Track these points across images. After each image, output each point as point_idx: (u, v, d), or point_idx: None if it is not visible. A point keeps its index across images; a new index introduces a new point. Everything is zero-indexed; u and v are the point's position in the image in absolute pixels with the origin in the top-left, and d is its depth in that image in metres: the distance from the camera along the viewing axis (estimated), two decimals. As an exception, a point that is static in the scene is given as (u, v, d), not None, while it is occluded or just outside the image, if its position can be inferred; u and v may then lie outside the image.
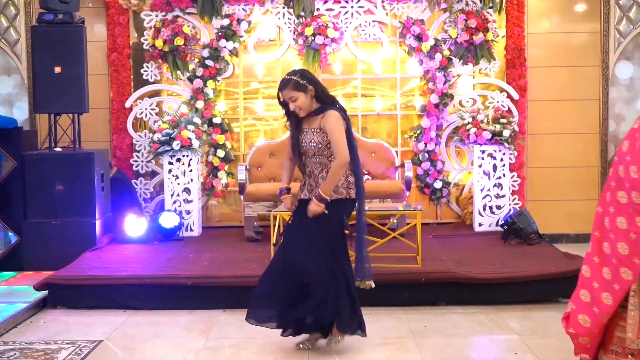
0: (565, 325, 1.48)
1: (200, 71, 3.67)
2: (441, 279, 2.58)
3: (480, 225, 3.55)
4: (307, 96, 2.00)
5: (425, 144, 3.71)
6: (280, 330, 2.09)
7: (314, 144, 2.01)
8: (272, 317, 2.04)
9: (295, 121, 2.06)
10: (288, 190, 2.12)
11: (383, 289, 2.52)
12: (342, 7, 3.72)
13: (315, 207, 1.98)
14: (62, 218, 3.11)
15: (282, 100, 2.04)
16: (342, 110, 2.06)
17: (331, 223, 2.01)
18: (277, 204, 3.15)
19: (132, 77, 3.74)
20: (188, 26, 3.66)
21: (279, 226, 2.73)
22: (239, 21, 3.67)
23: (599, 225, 1.46)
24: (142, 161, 3.76)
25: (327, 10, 3.71)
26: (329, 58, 3.69)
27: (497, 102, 3.70)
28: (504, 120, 3.53)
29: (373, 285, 2.08)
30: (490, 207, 3.56)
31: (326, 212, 1.97)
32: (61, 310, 2.62)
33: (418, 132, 3.73)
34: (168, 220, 3.37)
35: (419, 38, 3.67)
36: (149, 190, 3.78)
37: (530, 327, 2.34)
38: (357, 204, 2.07)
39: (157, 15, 3.70)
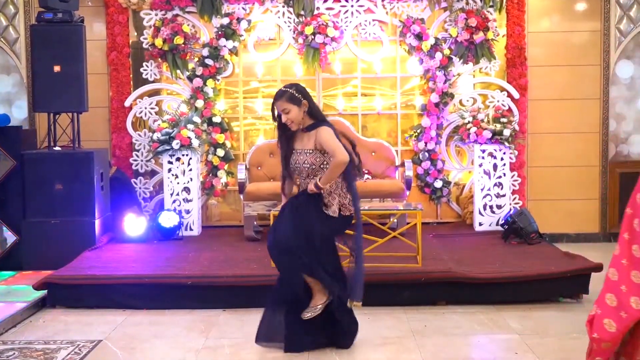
0: (589, 330, 1.44)
1: (199, 70, 3.66)
2: (441, 279, 2.57)
3: (480, 224, 3.54)
4: (301, 110, 2.02)
5: (426, 143, 3.70)
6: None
7: (308, 165, 2.02)
8: (277, 335, 2.05)
9: (287, 141, 2.07)
10: None
11: (383, 288, 2.53)
12: (342, 6, 3.70)
13: (312, 187, 2.01)
14: (61, 217, 3.10)
15: (276, 112, 2.05)
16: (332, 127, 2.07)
17: (321, 233, 2.01)
18: (277, 204, 3.14)
19: (131, 76, 3.73)
20: (188, 25, 3.65)
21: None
22: (238, 20, 3.66)
23: (628, 227, 1.39)
24: (142, 160, 3.74)
25: (327, 9, 3.70)
26: (329, 57, 3.67)
27: (498, 101, 3.68)
28: (504, 120, 3.52)
29: (360, 305, 2.08)
30: (491, 207, 3.54)
31: (321, 191, 1.98)
32: (60, 309, 2.61)
33: (418, 131, 3.72)
34: (167, 220, 3.36)
35: (419, 37, 3.66)
36: (148, 189, 3.76)
37: (531, 326, 2.34)
38: (357, 220, 2.08)
39: (156, 14, 3.69)
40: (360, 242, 2.08)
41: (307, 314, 2.03)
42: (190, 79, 3.68)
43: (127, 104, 3.70)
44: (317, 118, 2.05)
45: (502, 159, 3.53)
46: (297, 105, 2.01)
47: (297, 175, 2.09)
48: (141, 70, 3.71)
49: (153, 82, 3.73)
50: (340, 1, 3.70)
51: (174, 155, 3.48)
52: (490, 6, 3.66)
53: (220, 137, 3.68)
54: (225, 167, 3.73)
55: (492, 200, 3.54)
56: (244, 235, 3.36)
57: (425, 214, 3.43)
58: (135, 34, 3.76)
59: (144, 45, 3.69)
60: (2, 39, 3.74)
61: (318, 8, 3.68)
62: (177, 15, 3.68)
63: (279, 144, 2.12)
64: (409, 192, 3.41)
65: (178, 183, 3.51)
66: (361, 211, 2.79)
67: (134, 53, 3.74)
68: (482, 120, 3.53)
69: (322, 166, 2.02)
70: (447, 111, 3.71)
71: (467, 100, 3.73)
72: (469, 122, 3.55)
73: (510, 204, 3.57)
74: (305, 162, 2.02)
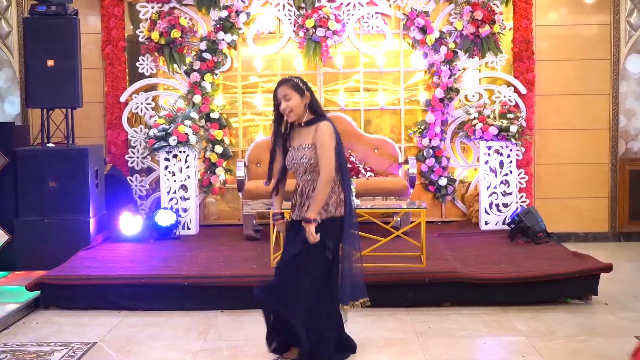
0: None
1: (197, 64, 3.60)
2: (446, 279, 2.53)
3: (486, 223, 3.48)
4: (302, 101, 1.96)
5: (430, 139, 3.64)
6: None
7: (306, 160, 1.95)
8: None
9: (283, 140, 2.00)
10: (282, 215, 2.07)
11: (386, 289, 2.50)
12: (343, -2, 3.64)
13: (310, 231, 1.89)
14: (55, 216, 3.06)
15: (276, 101, 1.98)
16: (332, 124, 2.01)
17: (324, 246, 1.92)
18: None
19: (127, 70, 3.67)
20: (185, 18, 3.59)
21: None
22: (237, 13, 3.60)
23: None
24: (138, 157, 3.69)
25: (329, 1, 3.63)
26: (331, 51, 3.62)
27: (504, 96, 3.62)
28: (511, 116, 3.45)
29: (349, 308, 2.00)
30: (497, 205, 3.48)
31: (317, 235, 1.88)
32: (54, 311, 2.57)
33: (422, 127, 3.66)
34: (164, 218, 3.31)
35: (424, 30, 3.58)
36: (144, 187, 3.71)
37: (538, 328, 2.30)
38: (347, 220, 1.97)
39: (153, 7, 3.63)
40: (352, 242, 1.98)
41: None
42: (187, 73, 3.62)
43: (122, 99, 3.64)
44: (317, 113, 2.00)
45: (508, 156, 3.47)
46: (300, 94, 1.95)
47: (294, 172, 2.01)
48: (137, 64, 3.65)
49: (149, 76, 3.67)
50: (341, -7, 3.63)
51: (170, 152, 3.43)
52: (497, -2, 3.58)
53: (218, 134, 3.62)
54: (224, 164, 3.68)
55: (499, 199, 3.48)
56: (243, 234, 3.31)
57: (429, 213, 3.39)
58: (131, 27, 3.72)
59: (140, 39, 3.64)
60: (-6, 33, 3.68)
61: (319, 0, 3.61)
62: (174, 8, 3.62)
63: (272, 139, 2.03)
64: (412, 190, 3.35)
65: (175, 181, 3.45)
66: (364, 210, 2.75)
67: (129, 47, 3.69)
68: (488, 116, 3.47)
69: None
70: (452, 107, 3.64)
71: (473, 96, 3.67)
72: (474, 118, 3.49)
73: (517, 203, 3.51)
74: (304, 157, 1.95)
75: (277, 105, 1.98)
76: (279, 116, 1.99)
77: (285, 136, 2.01)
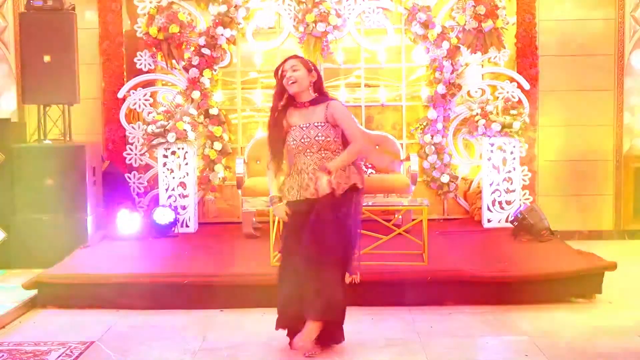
0: None
1: (196, 60, 3.56)
2: (448, 278, 2.52)
3: (489, 221, 3.45)
4: (308, 77, 2.00)
5: (432, 136, 3.61)
6: (281, 331, 2.04)
7: (322, 138, 1.95)
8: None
9: (278, 120, 1.99)
10: (280, 198, 2.05)
11: (387, 288, 2.50)
12: (344, -8, 3.60)
13: (322, 182, 1.87)
14: (52, 214, 3.05)
15: (281, 73, 1.99)
16: None
17: (339, 215, 1.93)
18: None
19: (125, 66, 3.64)
20: (184, 13, 3.56)
21: (278, 222, 2.62)
22: (236, 8, 3.56)
23: None
24: (136, 154, 3.65)
25: (329, -4, 3.59)
26: (331, 46, 3.58)
27: (507, 92, 3.58)
28: (514, 112, 3.42)
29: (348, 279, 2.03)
30: (500, 203, 3.45)
31: (332, 180, 1.89)
32: (51, 310, 2.55)
33: (424, 123, 3.63)
34: (163, 216, 3.29)
35: (426, 25, 3.54)
36: (142, 184, 3.68)
37: (542, 328, 2.28)
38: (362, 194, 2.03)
39: (151, 2, 3.59)
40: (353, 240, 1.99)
41: (300, 343, 1.96)
42: (186, 69, 3.59)
43: (120, 95, 3.60)
44: (322, 93, 2.03)
45: (511, 152, 3.44)
46: (308, 70, 2.01)
47: (299, 151, 1.99)
48: (135, 60, 3.61)
49: (147, 72, 3.64)
50: (342, -12, 3.60)
51: (169, 148, 3.40)
52: (500, -7, 3.54)
53: (217, 130, 3.58)
54: (223, 161, 3.65)
55: (501, 196, 3.45)
56: (242, 232, 3.29)
57: (431, 210, 3.33)
58: (129, 22, 3.68)
59: (138, 34, 3.60)
60: (-10, 28, 3.64)
61: (320, -5, 3.57)
62: (172, 2, 3.59)
63: (271, 114, 2.02)
64: (414, 187, 3.33)
65: (173, 178, 3.42)
66: (365, 207, 2.71)
67: (127, 42, 3.65)
68: (491, 112, 3.44)
69: (335, 139, 1.98)
70: (454, 103, 3.61)
71: (476, 92, 3.63)
72: (477, 114, 3.46)
73: (520, 200, 3.48)
74: (319, 134, 1.95)
75: (280, 80, 1.98)
76: (280, 92, 1.99)
77: (280, 114, 1.99)
